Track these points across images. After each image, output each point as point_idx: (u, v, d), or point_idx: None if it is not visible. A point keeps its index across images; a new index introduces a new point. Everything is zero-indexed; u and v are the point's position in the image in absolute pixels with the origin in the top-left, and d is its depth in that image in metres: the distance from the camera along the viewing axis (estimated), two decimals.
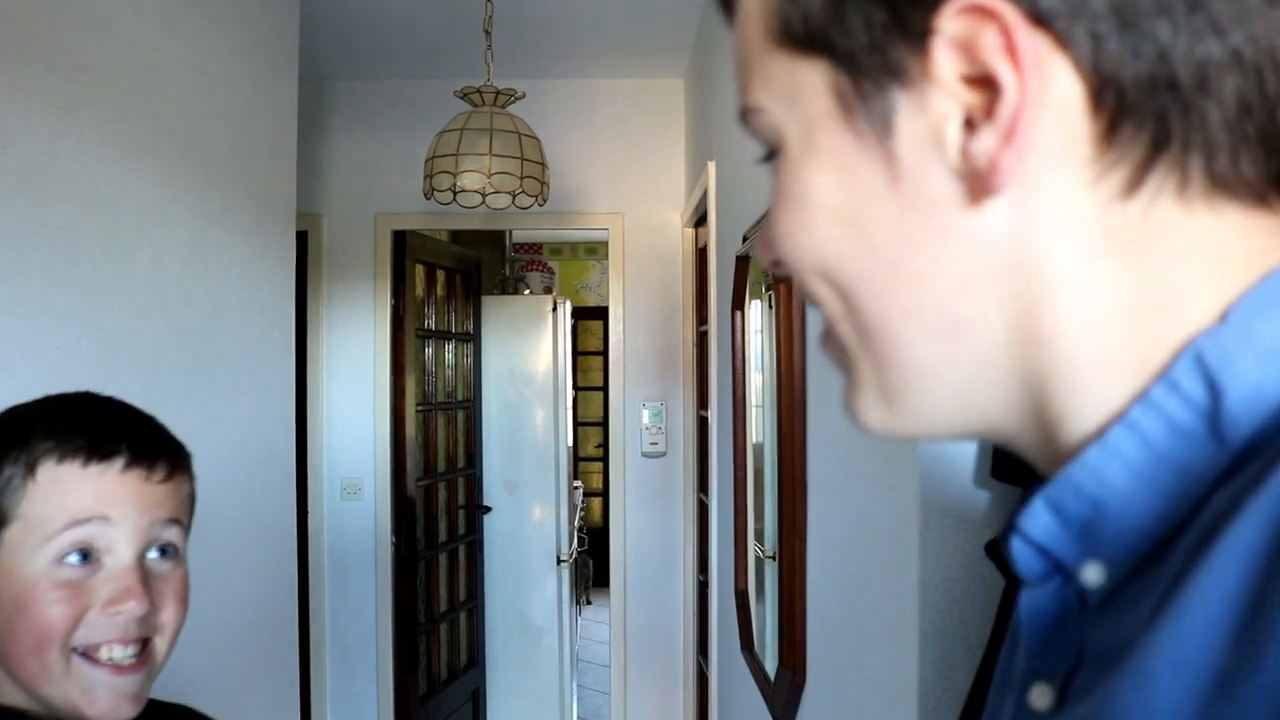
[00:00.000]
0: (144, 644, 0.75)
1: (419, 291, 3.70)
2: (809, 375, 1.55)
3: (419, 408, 3.65)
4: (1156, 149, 0.32)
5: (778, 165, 0.39)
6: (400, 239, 3.55)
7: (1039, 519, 0.35)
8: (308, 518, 3.43)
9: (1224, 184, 0.33)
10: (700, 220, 3.23)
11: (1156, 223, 0.33)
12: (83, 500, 0.73)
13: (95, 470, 0.74)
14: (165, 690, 0.83)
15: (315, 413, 3.48)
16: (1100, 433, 0.34)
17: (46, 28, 1.41)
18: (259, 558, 2.14)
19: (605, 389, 4.16)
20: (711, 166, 2.72)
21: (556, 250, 7.15)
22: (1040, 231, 0.33)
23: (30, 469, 0.73)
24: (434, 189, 2.39)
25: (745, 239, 2.16)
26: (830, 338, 0.40)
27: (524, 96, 2.54)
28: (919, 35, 0.33)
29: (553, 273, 5.62)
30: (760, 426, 2.21)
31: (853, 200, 0.36)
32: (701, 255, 3.33)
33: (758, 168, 0.40)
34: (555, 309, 4.27)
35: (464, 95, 2.46)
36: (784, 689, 1.62)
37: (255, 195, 2.17)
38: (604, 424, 4.31)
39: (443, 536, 3.87)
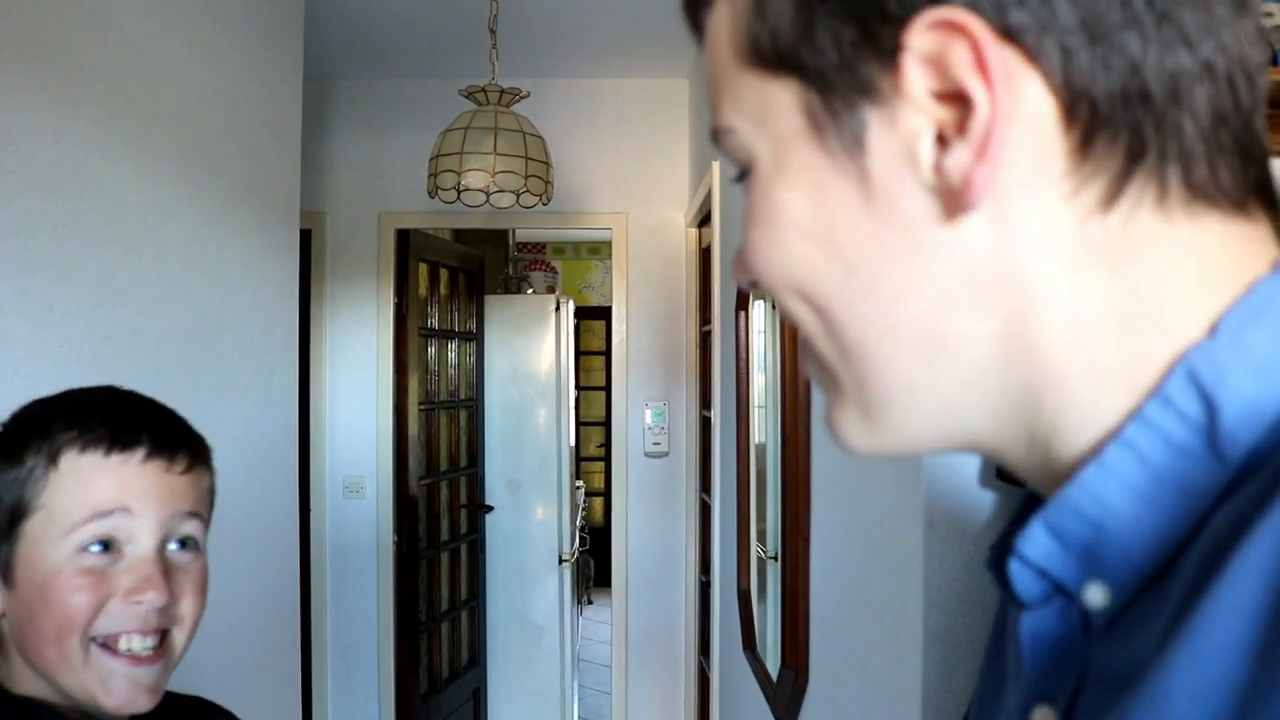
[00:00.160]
0: (162, 636, 0.76)
1: (422, 290, 3.71)
2: None
3: (421, 406, 3.65)
4: (1132, 161, 0.32)
5: (748, 185, 0.39)
6: (404, 238, 3.55)
7: (1037, 542, 0.35)
8: (310, 516, 3.43)
9: (1203, 193, 0.33)
10: (704, 220, 3.23)
11: (1137, 234, 0.33)
12: (105, 491, 0.74)
13: (117, 460, 0.74)
14: (167, 687, 0.83)
15: (318, 411, 3.49)
16: (1096, 451, 0.33)
17: (51, 26, 1.41)
18: (261, 556, 2.14)
19: (608, 389, 4.17)
20: (716, 166, 2.72)
21: (559, 250, 7.15)
22: (1020, 246, 0.33)
23: (53, 459, 0.73)
24: (438, 188, 2.39)
25: None
26: (809, 354, 0.40)
27: (529, 95, 2.54)
28: (889, 52, 0.33)
29: (556, 272, 5.61)
30: (763, 427, 2.21)
31: (825, 218, 0.36)
32: (705, 255, 3.33)
33: (743, 188, 0.40)
34: (558, 308, 4.27)
35: (469, 94, 2.46)
36: (786, 689, 1.62)
37: (259, 193, 2.17)
38: (606, 424, 4.31)
39: (444, 535, 3.87)
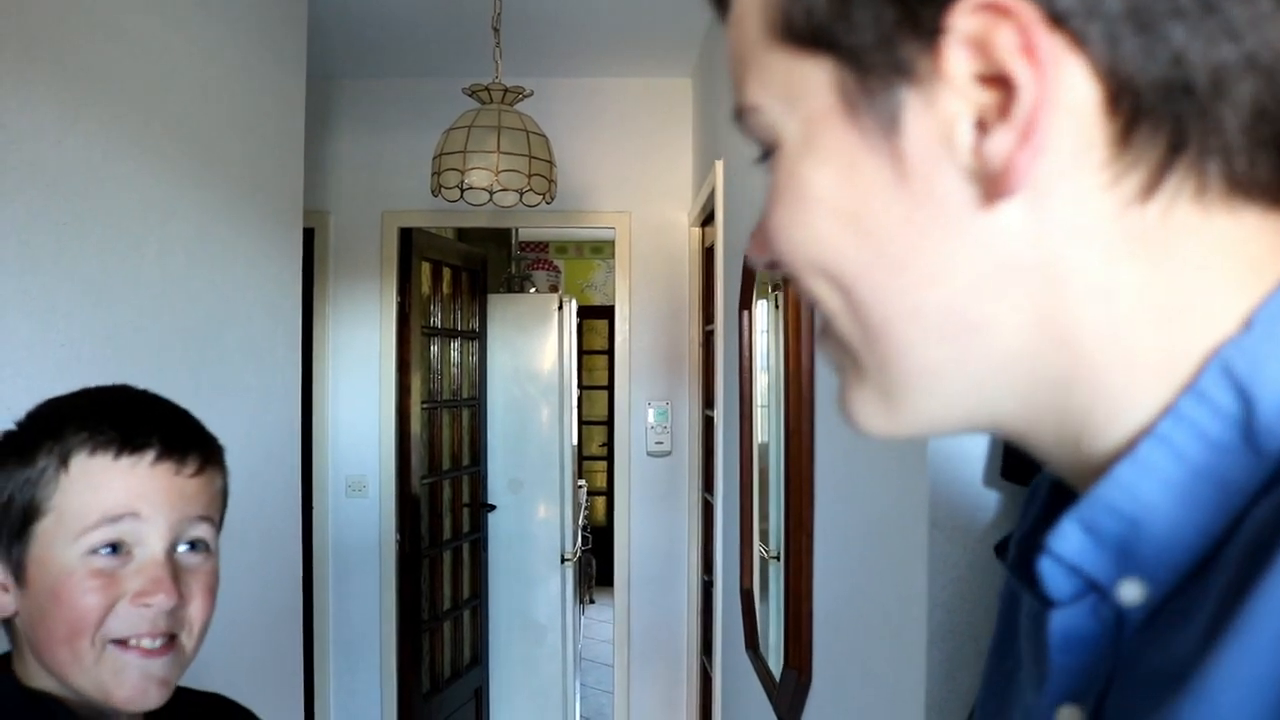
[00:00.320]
0: (170, 639, 0.76)
1: (425, 289, 3.71)
2: (817, 374, 1.54)
3: (424, 405, 3.65)
4: (1173, 152, 0.32)
5: (774, 163, 0.38)
6: (407, 236, 3.55)
7: (1070, 539, 0.34)
8: (312, 515, 3.43)
9: (1242, 187, 0.32)
10: (707, 219, 3.23)
11: (1175, 226, 0.32)
12: (114, 495, 0.73)
13: (126, 463, 0.74)
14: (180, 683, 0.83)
15: (320, 410, 3.49)
16: (1131, 446, 0.33)
17: (55, 24, 1.41)
18: (263, 554, 2.14)
19: (610, 388, 4.16)
20: (719, 165, 2.72)
21: (562, 249, 7.15)
22: (1057, 234, 0.33)
23: (63, 461, 0.73)
24: (441, 186, 2.39)
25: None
26: (828, 334, 0.40)
27: (532, 94, 2.54)
28: (930, 33, 0.33)
29: (558, 271, 5.62)
30: (766, 426, 2.21)
31: (855, 197, 0.36)
32: (708, 254, 3.33)
33: (767, 167, 0.40)
34: (561, 307, 4.27)
35: (472, 93, 2.46)
36: (789, 689, 1.62)
37: (262, 192, 2.17)
38: (609, 423, 4.31)
39: (447, 534, 3.87)
